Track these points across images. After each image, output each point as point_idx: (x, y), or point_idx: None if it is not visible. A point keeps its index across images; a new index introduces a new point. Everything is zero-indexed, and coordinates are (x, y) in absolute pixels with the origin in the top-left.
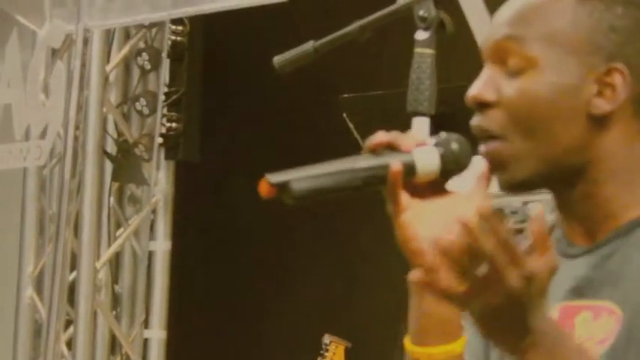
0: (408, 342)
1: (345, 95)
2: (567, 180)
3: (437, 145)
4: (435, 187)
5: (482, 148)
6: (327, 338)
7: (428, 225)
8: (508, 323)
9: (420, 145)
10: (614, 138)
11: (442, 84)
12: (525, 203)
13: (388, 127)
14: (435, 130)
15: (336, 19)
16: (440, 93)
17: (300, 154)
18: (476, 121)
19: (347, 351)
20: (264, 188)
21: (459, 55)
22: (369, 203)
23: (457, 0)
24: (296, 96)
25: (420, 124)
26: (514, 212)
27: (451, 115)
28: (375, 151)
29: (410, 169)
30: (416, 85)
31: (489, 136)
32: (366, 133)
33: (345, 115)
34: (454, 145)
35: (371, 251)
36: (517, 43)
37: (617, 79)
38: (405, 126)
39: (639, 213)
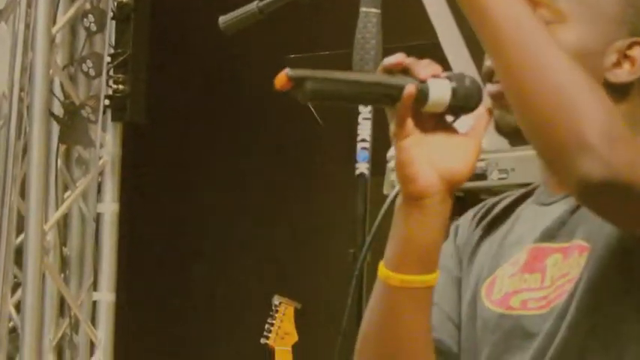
0: (382, 267)
1: (292, 55)
2: None
3: (450, 79)
4: (439, 122)
5: (490, 87)
6: (276, 299)
7: (426, 154)
8: None
9: (435, 76)
10: (628, 109)
11: (388, 43)
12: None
13: None
14: None
15: None
16: (385, 52)
17: (246, 113)
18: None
19: (297, 312)
20: (281, 80)
21: (406, 14)
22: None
23: None
24: (242, 57)
25: None
26: None
27: None
28: (391, 71)
29: (422, 97)
30: (361, 44)
31: None
32: None
33: None
34: (467, 82)
35: (321, 210)
36: None
37: (638, 52)
38: None
39: None
